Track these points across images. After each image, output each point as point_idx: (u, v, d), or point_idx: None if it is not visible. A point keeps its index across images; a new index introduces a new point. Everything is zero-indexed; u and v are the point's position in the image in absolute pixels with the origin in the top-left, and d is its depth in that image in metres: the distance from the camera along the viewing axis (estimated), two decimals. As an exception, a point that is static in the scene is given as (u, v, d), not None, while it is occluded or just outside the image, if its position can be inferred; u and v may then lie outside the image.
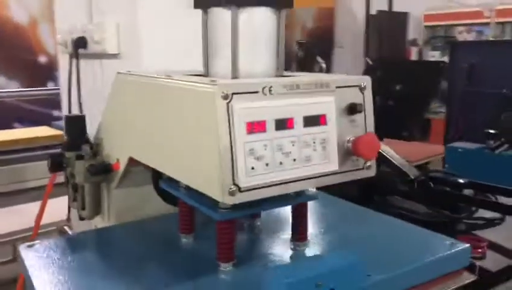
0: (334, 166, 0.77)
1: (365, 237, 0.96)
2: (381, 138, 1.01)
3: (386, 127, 1.48)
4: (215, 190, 0.68)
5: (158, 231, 1.00)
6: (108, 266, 0.86)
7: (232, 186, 0.68)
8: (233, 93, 0.68)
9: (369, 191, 1.50)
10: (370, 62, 3.38)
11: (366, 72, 2.88)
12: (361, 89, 0.80)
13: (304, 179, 0.74)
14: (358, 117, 0.80)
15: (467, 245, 0.89)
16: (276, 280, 0.69)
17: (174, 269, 0.83)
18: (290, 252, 0.89)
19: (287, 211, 0.98)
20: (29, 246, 0.91)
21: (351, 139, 0.78)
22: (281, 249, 0.89)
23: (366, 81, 0.81)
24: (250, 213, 0.95)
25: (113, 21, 1.21)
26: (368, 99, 0.81)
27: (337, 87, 0.78)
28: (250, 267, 0.83)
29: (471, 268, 0.89)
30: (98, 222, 1.15)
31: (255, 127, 0.69)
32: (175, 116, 0.77)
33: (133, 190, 1.07)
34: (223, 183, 0.67)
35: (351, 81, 0.79)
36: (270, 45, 0.81)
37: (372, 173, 0.82)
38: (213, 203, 0.76)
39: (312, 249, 0.89)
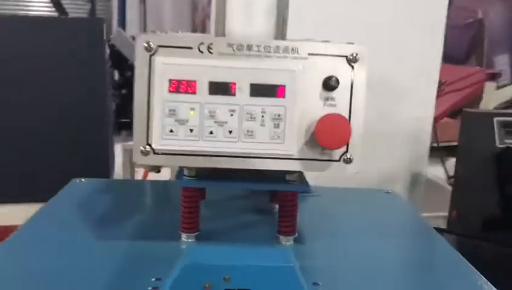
0: (289, 149, 0.64)
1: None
2: None
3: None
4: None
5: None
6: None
7: (146, 147, 0.63)
8: (159, 46, 0.62)
9: None
10: None
11: None
12: (350, 61, 0.63)
13: (243, 157, 0.64)
14: (339, 96, 0.63)
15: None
16: (182, 260, 0.62)
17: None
18: (265, 243, 0.77)
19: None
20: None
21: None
22: (260, 237, 0.79)
23: (359, 50, 0.63)
24: (215, 186, 0.82)
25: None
26: (358, 75, 0.63)
27: (311, 54, 0.63)
28: (212, 241, 0.76)
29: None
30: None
31: (181, 87, 0.62)
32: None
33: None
34: (137, 141, 0.63)
35: (335, 49, 0.63)
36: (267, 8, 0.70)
37: (352, 168, 0.65)
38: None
39: (294, 246, 0.76)
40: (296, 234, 0.76)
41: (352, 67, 0.63)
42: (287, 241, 0.75)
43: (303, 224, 0.84)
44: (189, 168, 0.68)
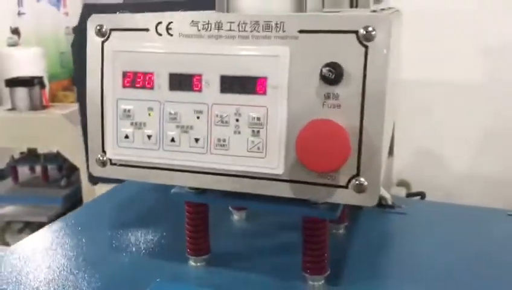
0: (273, 166, 0.45)
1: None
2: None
3: None
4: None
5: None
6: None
7: (101, 155, 0.51)
8: (111, 29, 0.48)
9: None
10: None
11: None
12: (363, 39, 0.41)
13: (212, 174, 0.47)
14: (346, 92, 0.42)
15: None
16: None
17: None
18: (288, 281, 0.59)
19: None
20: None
21: (314, 128, 0.42)
22: (287, 271, 0.61)
23: (378, 23, 0.41)
24: (220, 203, 0.58)
25: None
26: (376, 60, 0.41)
27: (302, 31, 0.43)
28: (224, 269, 0.61)
29: None
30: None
31: (137, 80, 0.48)
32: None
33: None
34: (92, 149, 0.51)
35: (338, 21, 0.42)
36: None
37: (368, 200, 0.43)
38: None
39: (324, 288, 0.57)
40: (328, 272, 0.56)
41: (366, 48, 0.42)
42: (314, 282, 0.56)
43: (357, 255, 0.64)
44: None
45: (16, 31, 6.68)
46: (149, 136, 0.48)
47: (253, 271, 0.59)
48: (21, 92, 2.19)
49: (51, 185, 2.41)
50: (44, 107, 2.23)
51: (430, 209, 0.82)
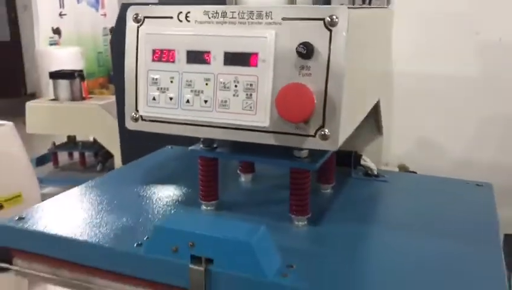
0: (261, 121, 0.60)
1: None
2: None
3: None
4: (128, 114, 0.69)
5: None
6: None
7: (135, 113, 0.67)
8: (145, 17, 0.65)
9: None
10: None
11: None
12: (328, 24, 0.56)
13: (217, 127, 0.63)
14: (315, 64, 0.57)
15: None
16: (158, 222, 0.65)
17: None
18: (277, 221, 0.74)
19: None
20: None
21: (291, 91, 0.57)
22: (277, 214, 0.75)
23: (339, 13, 0.56)
24: (225, 157, 0.74)
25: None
26: (338, 42, 0.56)
27: (285, 19, 0.58)
28: (229, 212, 0.76)
29: None
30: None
31: (163, 56, 0.64)
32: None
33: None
34: (128, 108, 0.67)
35: (310, 11, 0.57)
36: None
37: (329, 145, 0.58)
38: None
39: (304, 227, 0.71)
40: (309, 215, 0.71)
41: (331, 31, 0.56)
42: (298, 222, 0.71)
43: (338, 206, 0.78)
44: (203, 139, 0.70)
45: (57, 31, 7.00)
46: (171, 98, 0.64)
47: (252, 214, 0.75)
48: (63, 84, 2.40)
49: (88, 170, 2.62)
50: (83, 98, 2.44)
51: (410, 179, 0.96)
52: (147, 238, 0.63)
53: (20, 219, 0.71)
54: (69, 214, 0.73)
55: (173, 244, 0.60)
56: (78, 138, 2.66)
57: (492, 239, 0.68)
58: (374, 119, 0.97)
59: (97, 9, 7.76)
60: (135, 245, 0.63)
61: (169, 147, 1.10)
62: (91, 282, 0.68)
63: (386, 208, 0.82)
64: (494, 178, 1.27)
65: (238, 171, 0.90)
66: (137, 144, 1.15)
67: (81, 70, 2.52)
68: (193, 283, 0.59)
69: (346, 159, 0.93)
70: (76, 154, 2.68)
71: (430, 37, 1.33)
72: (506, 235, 0.97)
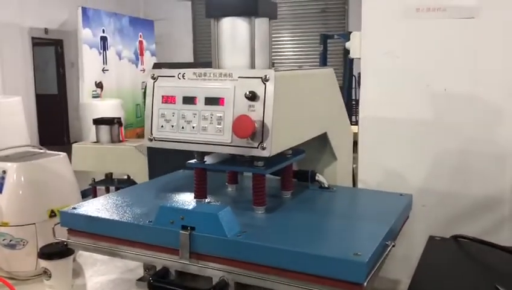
0: (226, 139, 0.97)
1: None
2: None
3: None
4: (146, 137, 1.08)
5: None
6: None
7: (150, 135, 1.05)
8: (158, 76, 1.04)
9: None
10: None
11: None
12: (264, 80, 0.94)
13: (200, 143, 1.00)
14: (257, 104, 0.94)
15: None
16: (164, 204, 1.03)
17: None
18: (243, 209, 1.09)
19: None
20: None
21: (243, 120, 0.95)
22: (245, 206, 1.11)
23: (270, 74, 0.93)
24: (210, 168, 1.11)
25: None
26: (269, 90, 0.93)
27: (240, 77, 0.96)
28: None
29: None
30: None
31: (168, 100, 1.03)
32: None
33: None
34: (146, 132, 1.06)
35: (254, 73, 0.95)
36: (243, 45, 1.05)
37: (265, 153, 0.94)
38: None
39: (263, 214, 1.06)
40: (265, 205, 1.06)
41: (265, 85, 0.94)
42: (258, 211, 1.07)
43: (291, 204, 1.14)
44: (196, 156, 1.08)
45: (99, 85, 7.65)
46: (172, 126, 1.02)
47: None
48: (103, 129, 2.85)
49: (122, 203, 3.01)
50: (120, 141, 2.87)
51: (354, 191, 1.30)
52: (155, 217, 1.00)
53: (74, 208, 1.10)
54: (104, 206, 1.11)
55: (171, 219, 0.97)
56: (114, 175, 3.08)
57: (383, 220, 1.02)
58: (329, 148, 1.33)
59: (137, 66, 8.49)
60: (148, 222, 1.00)
61: (181, 170, 1.48)
62: (119, 249, 1.04)
63: (323, 205, 1.17)
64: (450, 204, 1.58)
65: (226, 183, 1.27)
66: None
67: (119, 118, 2.96)
68: (182, 243, 0.95)
69: (306, 176, 1.29)
70: (112, 189, 3.08)
71: (393, 88, 1.68)
72: (430, 237, 1.29)
